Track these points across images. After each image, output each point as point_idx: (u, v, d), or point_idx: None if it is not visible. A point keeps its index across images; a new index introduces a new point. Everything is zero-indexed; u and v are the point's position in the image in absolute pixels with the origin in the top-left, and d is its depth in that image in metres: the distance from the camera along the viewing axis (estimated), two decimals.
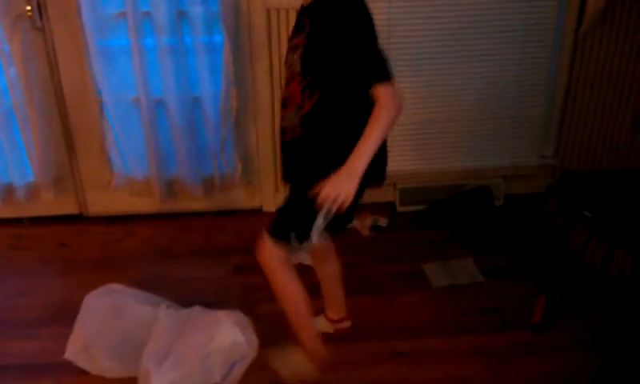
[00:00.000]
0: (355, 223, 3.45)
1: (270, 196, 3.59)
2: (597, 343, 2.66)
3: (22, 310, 2.92)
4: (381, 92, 1.94)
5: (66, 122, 3.36)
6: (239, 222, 3.52)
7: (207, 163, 3.42)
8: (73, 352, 2.58)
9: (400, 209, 3.62)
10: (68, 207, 3.57)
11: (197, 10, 3.09)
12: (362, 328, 2.77)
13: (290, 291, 2.35)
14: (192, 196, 3.47)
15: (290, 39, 2.13)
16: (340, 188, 1.90)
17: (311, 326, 2.43)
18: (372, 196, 3.64)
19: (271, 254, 2.25)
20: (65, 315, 2.70)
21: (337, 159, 1.96)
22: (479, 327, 2.76)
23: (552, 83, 3.49)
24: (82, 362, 2.57)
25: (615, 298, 2.90)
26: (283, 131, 2.16)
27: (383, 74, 1.95)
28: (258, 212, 3.65)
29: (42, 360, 2.65)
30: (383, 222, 3.49)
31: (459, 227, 3.46)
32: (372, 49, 1.95)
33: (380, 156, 2.07)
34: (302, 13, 2.07)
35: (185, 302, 2.77)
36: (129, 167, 3.42)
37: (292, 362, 2.48)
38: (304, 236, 2.13)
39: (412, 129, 3.49)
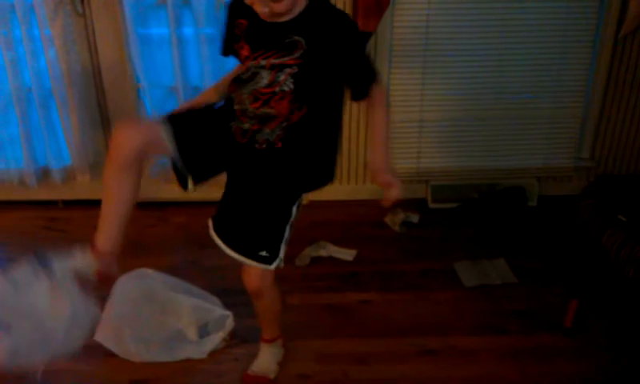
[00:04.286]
0: (387, 218, 3.45)
1: None
2: (628, 348, 2.64)
3: None
4: (378, 92, 2.10)
5: (103, 107, 3.40)
6: None
7: None
8: (102, 334, 2.61)
9: (432, 205, 3.61)
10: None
11: None
12: (390, 323, 2.78)
13: (278, 298, 2.42)
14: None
15: (259, 57, 1.98)
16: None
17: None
18: (404, 191, 3.65)
19: (267, 279, 2.27)
20: (96, 297, 2.72)
21: (316, 169, 2.17)
22: (509, 328, 2.74)
23: (590, 85, 3.45)
24: (111, 345, 2.60)
25: None
26: (252, 139, 2.06)
27: (377, 74, 2.10)
28: None
29: None
30: (414, 218, 3.48)
31: (491, 226, 3.44)
32: (367, 53, 2.10)
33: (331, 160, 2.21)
34: (283, 30, 1.95)
35: (216, 290, 2.79)
36: None
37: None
38: (276, 253, 2.20)
39: (446, 126, 3.48)
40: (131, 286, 2.70)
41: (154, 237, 3.37)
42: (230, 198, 2.25)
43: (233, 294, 2.77)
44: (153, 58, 3.24)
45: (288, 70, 1.96)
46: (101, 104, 3.38)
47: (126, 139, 1.98)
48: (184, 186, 2.16)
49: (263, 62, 1.97)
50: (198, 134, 2.09)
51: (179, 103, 3.26)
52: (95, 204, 3.53)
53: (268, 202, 2.16)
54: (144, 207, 3.56)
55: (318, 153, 2.15)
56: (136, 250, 3.23)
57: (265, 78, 1.98)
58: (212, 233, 2.27)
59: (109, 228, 2.10)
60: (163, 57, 3.24)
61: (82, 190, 3.56)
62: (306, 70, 1.96)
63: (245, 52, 2.01)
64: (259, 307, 2.43)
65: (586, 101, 3.49)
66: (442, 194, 3.60)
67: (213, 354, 2.61)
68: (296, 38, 1.94)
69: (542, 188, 3.65)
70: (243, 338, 2.67)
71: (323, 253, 3.20)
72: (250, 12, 1.94)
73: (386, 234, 3.38)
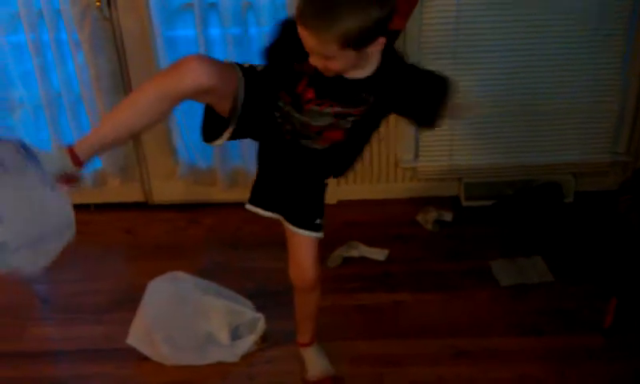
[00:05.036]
0: (419, 217, 3.41)
1: (333, 188, 3.56)
2: None
3: (88, 295, 2.97)
4: None
5: None
6: None
7: None
8: (135, 337, 2.62)
9: (465, 203, 3.55)
10: (134, 195, 3.62)
11: (263, 1, 3.08)
12: (424, 324, 2.74)
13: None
14: None
15: (325, 105, 1.94)
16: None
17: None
18: (436, 189, 3.62)
19: (319, 268, 2.28)
20: (129, 301, 2.74)
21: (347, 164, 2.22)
22: (546, 328, 2.69)
23: (625, 77, 3.37)
24: (144, 348, 2.61)
25: None
26: (294, 138, 2.07)
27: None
28: None
29: (107, 345, 2.70)
30: (448, 216, 3.43)
31: (527, 224, 3.37)
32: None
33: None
34: (356, 88, 1.91)
35: (248, 292, 2.78)
36: (193, 157, 3.45)
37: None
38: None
39: (479, 122, 3.42)
40: (163, 289, 2.71)
41: (185, 239, 3.37)
42: (273, 173, 2.22)
43: (264, 296, 2.77)
44: None
45: (351, 119, 1.97)
46: None
47: (199, 72, 1.72)
48: (212, 138, 1.97)
49: (329, 110, 1.95)
50: (260, 99, 1.94)
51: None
52: (126, 207, 3.60)
53: (308, 179, 2.20)
54: (174, 210, 3.59)
55: (351, 156, 2.19)
56: (167, 252, 3.25)
57: (326, 121, 1.97)
58: (250, 206, 2.25)
59: (101, 142, 1.85)
60: None
61: (112, 193, 3.58)
62: (367, 116, 1.98)
63: (308, 95, 1.94)
64: (306, 304, 2.42)
65: (622, 93, 3.40)
66: (475, 191, 3.54)
67: (245, 356, 2.60)
68: (369, 96, 1.92)
69: (579, 184, 3.58)
70: (275, 340, 2.67)
71: (355, 253, 3.17)
72: None
73: (418, 233, 3.34)
